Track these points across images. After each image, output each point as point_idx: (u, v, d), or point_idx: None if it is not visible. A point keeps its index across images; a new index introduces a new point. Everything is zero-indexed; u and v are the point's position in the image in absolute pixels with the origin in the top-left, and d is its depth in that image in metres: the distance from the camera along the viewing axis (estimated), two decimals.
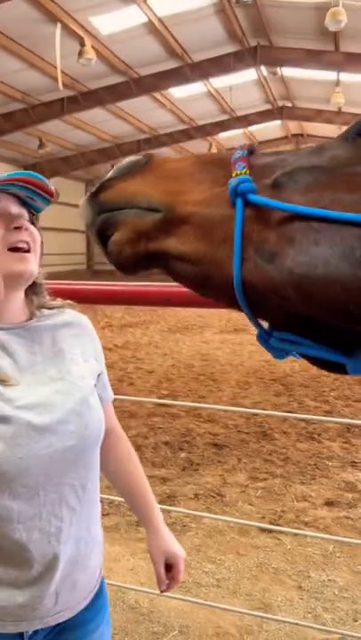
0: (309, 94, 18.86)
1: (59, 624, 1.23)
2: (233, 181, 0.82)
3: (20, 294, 1.24)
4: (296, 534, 3.83)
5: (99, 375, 1.36)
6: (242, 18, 12.98)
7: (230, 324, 14.18)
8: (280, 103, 20.78)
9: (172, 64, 14.69)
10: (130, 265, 0.87)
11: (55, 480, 1.16)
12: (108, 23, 12.33)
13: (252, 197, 0.79)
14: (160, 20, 12.40)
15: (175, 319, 15.13)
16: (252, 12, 12.62)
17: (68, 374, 1.22)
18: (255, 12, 12.61)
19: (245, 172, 0.83)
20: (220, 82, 16.85)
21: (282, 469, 5.10)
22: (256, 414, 6.54)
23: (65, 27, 11.81)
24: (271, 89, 18.97)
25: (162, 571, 1.50)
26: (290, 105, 20.91)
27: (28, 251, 1.18)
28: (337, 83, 15.80)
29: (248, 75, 16.88)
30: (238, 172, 0.84)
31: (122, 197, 0.87)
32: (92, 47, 12.56)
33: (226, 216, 0.81)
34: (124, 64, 14.49)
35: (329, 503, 4.44)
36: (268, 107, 20.96)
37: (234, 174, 0.84)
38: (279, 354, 0.86)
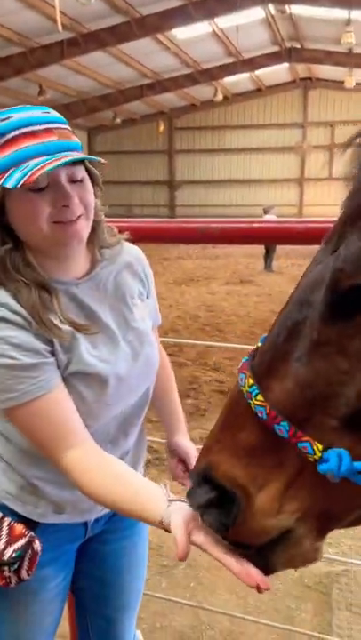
0: (319, 34, 18.03)
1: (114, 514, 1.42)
2: (328, 473, 0.76)
3: (81, 248, 1.24)
4: None
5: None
6: None
7: (236, 276, 14.11)
8: (288, 44, 19.93)
9: (175, 2, 14.03)
10: (319, 559, 0.91)
11: (128, 409, 1.33)
12: None
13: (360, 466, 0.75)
14: None
15: (181, 271, 15.06)
16: None
17: (133, 321, 1.32)
18: None
19: (322, 450, 0.76)
20: (225, 21, 16.11)
21: None
22: None
23: None
24: (279, 29, 18.14)
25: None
26: (298, 46, 20.06)
27: (75, 220, 1.16)
28: (348, 22, 15.08)
29: (255, 13, 16.12)
30: (314, 456, 0.77)
31: (265, 535, 0.86)
32: None
33: (351, 491, 0.78)
34: (125, 2, 13.85)
35: None
36: (276, 48, 20.11)
37: (312, 459, 0.77)
38: None
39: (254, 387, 0.81)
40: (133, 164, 28.34)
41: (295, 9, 15.93)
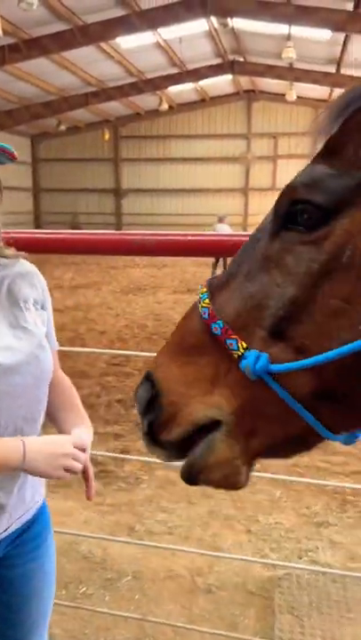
0: (261, 48, 18.50)
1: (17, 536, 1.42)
2: (245, 366, 0.82)
3: None
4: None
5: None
6: None
7: (183, 285, 14.20)
8: (231, 57, 20.33)
9: (118, 12, 14.06)
10: (244, 484, 0.92)
11: (14, 413, 1.32)
12: None
13: (277, 368, 0.81)
14: None
15: (128, 280, 15.02)
16: None
17: (24, 322, 1.36)
18: None
19: (245, 348, 0.83)
20: (169, 32, 16.26)
21: None
22: None
23: None
24: (222, 41, 18.50)
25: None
26: (241, 59, 20.51)
27: None
28: (288, 37, 15.55)
29: (198, 26, 16.35)
30: (238, 352, 0.83)
31: (180, 428, 0.89)
32: None
33: (266, 392, 0.82)
34: (68, 10, 13.76)
35: None
36: (219, 60, 20.47)
37: (236, 356, 0.83)
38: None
39: (205, 294, 0.91)
40: (79, 172, 28.10)
41: (237, 23, 16.29)
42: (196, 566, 3.04)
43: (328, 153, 0.83)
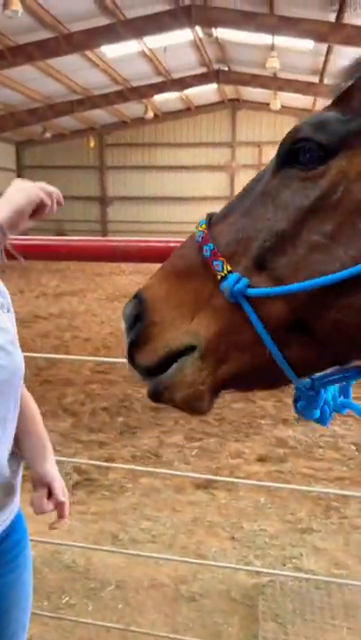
0: (245, 58, 18.69)
1: None
2: (225, 287, 0.86)
3: None
4: (230, 489, 3.97)
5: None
6: None
7: None
8: (216, 66, 20.50)
9: (103, 20, 14.12)
10: (204, 410, 0.94)
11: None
12: None
13: (252, 292, 0.85)
14: None
15: (113, 287, 14.98)
16: None
17: (1, 322, 1.36)
18: None
19: (228, 270, 0.87)
20: (154, 42, 16.36)
21: (217, 429, 5.24)
22: None
23: None
24: (207, 51, 18.65)
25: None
26: (226, 69, 20.69)
27: None
28: (272, 47, 15.74)
29: (183, 35, 16.48)
30: (221, 273, 0.88)
31: (153, 354, 0.93)
32: None
33: (241, 319, 0.86)
34: (53, 18, 13.79)
35: (261, 459, 4.63)
36: (204, 70, 20.63)
37: (219, 277, 0.88)
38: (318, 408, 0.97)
39: (203, 221, 0.96)
40: (64, 180, 27.98)
41: (222, 33, 16.44)
42: (180, 574, 3.02)
43: (339, 101, 0.88)
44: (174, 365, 0.91)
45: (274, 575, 2.77)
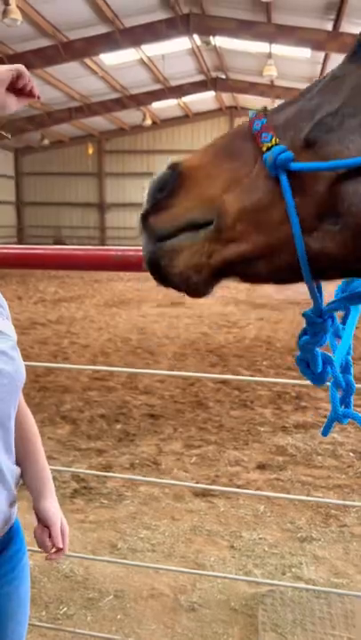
0: (242, 66, 18.82)
1: None
2: (268, 157, 0.81)
3: None
4: (229, 497, 3.96)
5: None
6: None
7: (167, 298, 14.19)
8: (214, 74, 20.64)
9: (102, 29, 14.21)
10: (201, 290, 0.88)
11: None
12: None
13: (295, 166, 0.79)
14: None
15: (111, 293, 14.99)
16: None
17: (2, 327, 1.38)
18: None
19: (276, 142, 0.82)
20: (152, 50, 16.47)
21: (216, 436, 5.23)
22: (189, 378, 6.64)
23: None
24: (205, 59, 18.77)
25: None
26: (223, 77, 20.82)
27: None
28: (269, 55, 15.86)
29: (181, 43, 16.59)
30: (268, 144, 0.83)
31: (172, 220, 0.87)
32: (18, 7, 11.91)
33: (273, 196, 0.81)
34: (51, 26, 13.88)
35: (261, 466, 4.61)
36: (202, 77, 20.76)
37: (265, 148, 0.82)
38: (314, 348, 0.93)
39: (262, 108, 0.90)
40: (62, 186, 28.13)
41: (219, 41, 16.56)
42: (180, 584, 3.00)
43: None
44: (183, 236, 0.86)
45: (274, 585, 2.75)
